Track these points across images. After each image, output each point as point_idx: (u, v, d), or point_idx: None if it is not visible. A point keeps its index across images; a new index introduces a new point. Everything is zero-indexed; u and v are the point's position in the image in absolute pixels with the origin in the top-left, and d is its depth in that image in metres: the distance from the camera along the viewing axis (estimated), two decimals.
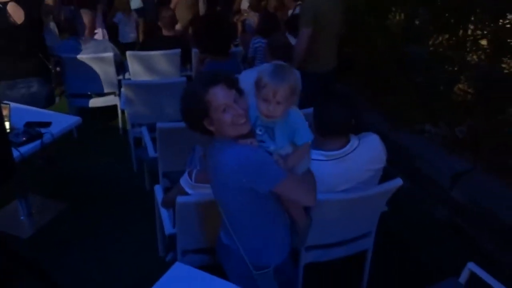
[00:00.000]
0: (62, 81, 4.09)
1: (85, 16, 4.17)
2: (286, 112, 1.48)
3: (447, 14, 3.77)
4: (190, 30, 6.24)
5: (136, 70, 4.15)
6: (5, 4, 3.12)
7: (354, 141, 2.02)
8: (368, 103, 4.29)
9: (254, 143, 1.49)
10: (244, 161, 1.45)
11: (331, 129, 1.99)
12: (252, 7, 5.61)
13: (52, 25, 5.10)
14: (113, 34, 5.95)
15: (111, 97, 4.25)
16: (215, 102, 1.43)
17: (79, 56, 3.97)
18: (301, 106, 3.09)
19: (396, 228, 2.97)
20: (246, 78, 2.97)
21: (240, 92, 1.49)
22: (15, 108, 2.68)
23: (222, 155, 1.49)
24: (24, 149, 2.45)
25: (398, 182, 2.04)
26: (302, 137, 1.52)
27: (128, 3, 5.97)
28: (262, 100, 1.45)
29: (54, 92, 3.74)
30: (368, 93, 4.43)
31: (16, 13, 3.14)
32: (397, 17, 4.40)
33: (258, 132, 1.52)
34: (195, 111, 1.48)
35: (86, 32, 4.14)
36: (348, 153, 1.98)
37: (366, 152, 2.02)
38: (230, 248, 1.69)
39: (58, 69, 3.82)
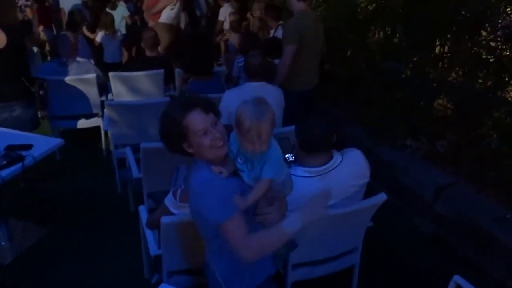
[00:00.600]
0: (45, 104, 4.05)
1: (67, 38, 4.17)
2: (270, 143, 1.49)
3: (423, 32, 3.88)
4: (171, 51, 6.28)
5: (119, 90, 4.14)
6: None
7: (337, 157, 2.04)
8: (350, 119, 4.36)
9: (224, 173, 1.50)
10: (206, 188, 1.49)
11: (313, 146, 2.01)
12: (232, 28, 5.68)
13: (36, 49, 5.11)
14: (98, 54, 5.92)
15: (94, 118, 4.22)
16: (193, 126, 1.47)
17: (62, 78, 3.95)
18: (284, 123, 3.15)
19: (381, 242, 2.98)
20: (230, 98, 3.02)
21: (217, 115, 1.53)
22: None
23: (193, 177, 1.53)
24: (4, 172, 2.42)
25: (382, 197, 2.06)
26: (267, 172, 1.49)
27: (112, 23, 5.97)
28: (248, 142, 1.45)
29: (38, 115, 3.70)
30: (350, 109, 4.50)
31: None
32: (376, 35, 4.51)
33: (238, 161, 1.54)
34: (173, 135, 1.51)
35: (68, 53, 4.13)
36: (332, 169, 2.01)
37: (350, 167, 2.04)
38: (209, 267, 1.71)
39: (41, 92, 3.79)
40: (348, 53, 4.50)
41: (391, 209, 3.18)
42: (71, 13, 6.14)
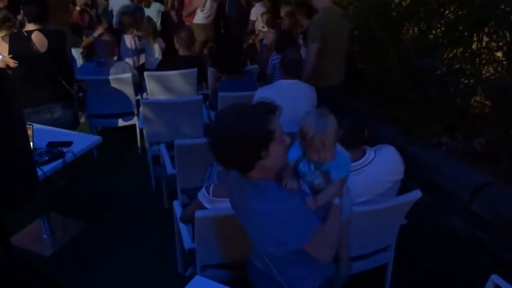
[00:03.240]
0: (84, 105, 4.20)
1: (106, 40, 4.29)
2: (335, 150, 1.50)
3: (460, 27, 3.77)
4: (205, 50, 6.42)
5: (153, 89, 4.24)
6: (30, 33, 3.25)
7: (370, 153, 2.02)
8: (383, 118, 4.29)
9: (295, 186, 1.48)
10: (278, 216, 1.43)
11: (345, 141, 2.00)
12: (268, 24, 5.72)
13: (78, 52, 5.30)
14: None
15: (130, 117, 4.34)
16: (279, 131, 1.39)
17: (99, 78, 4.08)
18: None
19: (415, 242, 2.93)
20: (262, 95, 3.04)
21: None
22: (37, 129, 2.76)
23: (260, 200, 1.46)
24: (46, 168, 2.52)
25: (417, 194, 2.03)
26: (335, 174, 1.50)
27: (154, 30, 5.98)
28: (313, 151, 1.44)
29: (77, 116, 3.84)
30: (382, 107, 4.43)
31: (40, 42, 3.27)
32: (410, 32, 4.42)
33: (301, 167, 1.52)
34: (255, 141, 1.37)
35: (106, 54, 4.25)
36: (365, 165, 1.99)
37: (383, 163, 2.03)
38: (266, 275, 1.65)
39: (80, 94, 3.93)
40: (380, 51, 4.44)
41: (426, 208, 3.13)
42: (120, 14, 6.27)
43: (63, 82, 3.44)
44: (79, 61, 5.29)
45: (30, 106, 3.31)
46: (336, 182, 1.49)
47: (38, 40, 3.26)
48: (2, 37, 3.40)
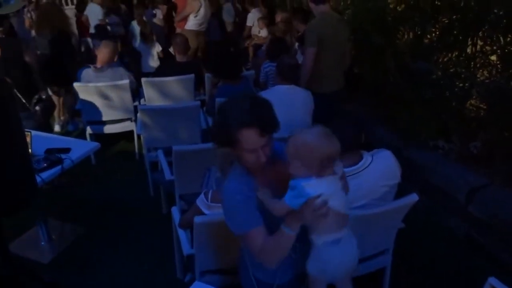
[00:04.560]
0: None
1: (107, 46, 4.29)
2: None
3: (455, 32, 3.81)
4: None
5: (151, 95, 4.25)
6: None
7: (367, 158, 2.04)
8: (379, 121, 4.32)
9: (265, 195, 1.48)
10: (229, 200, 1.54)
11: (342, 146, 2.02)
12: (263, 25, 5.75)
13: None
14: (136, 62, 6.01)
15: (127, 122, 4.34)
16: (244, 143, 1.44)
17: (96, 84, 4.09)
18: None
19: (412, 244, 2.95)
20: None
21: (271, 137, 1.49)
22: (35, 135, 2.77)
23: (225, 183, 1.58)
24: (45, 174, 2.53)
25: (414, 197, 2.04)
26: (288, 196, 1.41)
27: (151, 34, 6.06)
28: (323, 169, 1.41)
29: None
30: (379, 111, 4.46)
31: None
32: (405, 36, 4.46)
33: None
34: (223, 137, 1.49)
35: (104, 61, 4.24)
36: (362, 170, 2.01)
37: (380, 167, 2.04)
38: (242, 262, 1.74)
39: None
40: (376, 53, 4.48)
41: (423, 211, 3.15)
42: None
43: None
44: None
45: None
46: (283, 203, 1.42)
47: None
48: None
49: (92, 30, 6.65)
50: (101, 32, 6.22)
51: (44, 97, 3.67)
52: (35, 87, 3.71)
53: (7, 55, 3.60)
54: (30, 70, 3.83)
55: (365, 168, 2.01)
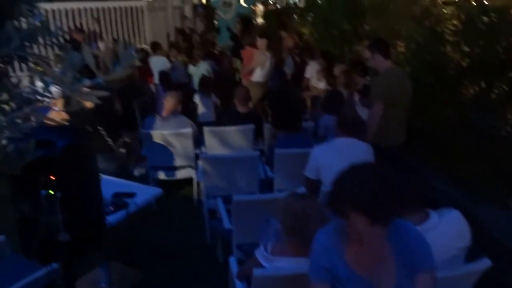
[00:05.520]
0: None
1: (172, 98, 4.54)
2: None
3: None
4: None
5: (211, 144, 4.39)
6: None
7: (434, 217, 1.96)
8: (443, 177, 4.15)
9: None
10: (313, 244, 1.68)
11: (404, 203, 1.96)
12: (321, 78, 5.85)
13: None
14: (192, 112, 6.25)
15: (188, 169, 4.48)
16: (352, 226, 1.49)
17: (161, 132, 4.30)
18: None
19: None
20: (319, 153, 3.07)
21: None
22: (104, 179, 2.91)
23: (323, 228, 1.71)
24: (112, 218, 2.64)
25: (486, 262, 1.92)
26: None
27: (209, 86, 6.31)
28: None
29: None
30: (441, 166, 4.30)
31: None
32: (471, 91, 4.35)
33: None
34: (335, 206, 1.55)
35: (170, 110, 4.48)
36: (429, 230, 1.92)
37: (449, 228, 1.95)
38: None
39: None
40: (439, 108, 4.39)
41: (494, 276, 2.92)
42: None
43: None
44: None
45: None
46: None
47: None
48: None
49: (155, 80, 7.07)
50: (165, 81, 6.57)
51: (128, 141, 3.93)
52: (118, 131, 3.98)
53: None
54: (118, 115, 4.12)
55: (432, 227, 1.93)
